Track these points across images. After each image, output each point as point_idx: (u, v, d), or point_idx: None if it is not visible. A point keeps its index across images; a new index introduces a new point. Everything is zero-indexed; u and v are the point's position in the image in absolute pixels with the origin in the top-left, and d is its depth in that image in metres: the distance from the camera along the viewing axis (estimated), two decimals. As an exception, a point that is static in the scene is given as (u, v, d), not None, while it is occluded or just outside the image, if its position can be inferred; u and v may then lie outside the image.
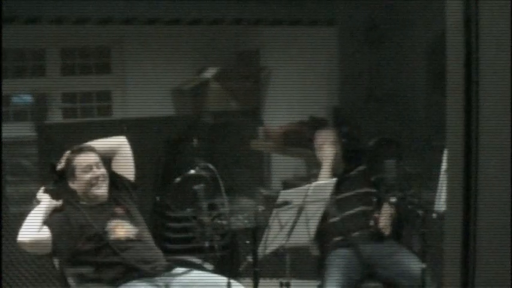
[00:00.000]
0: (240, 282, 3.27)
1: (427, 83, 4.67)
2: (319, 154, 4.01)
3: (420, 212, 3.35)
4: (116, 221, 3.33)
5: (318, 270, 3.88)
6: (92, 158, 3.39)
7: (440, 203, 3.29)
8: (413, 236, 3.79)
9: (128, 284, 3.19)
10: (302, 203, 3.26)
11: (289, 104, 5.42)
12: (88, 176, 3.35)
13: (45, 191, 3.35)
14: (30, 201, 3.37)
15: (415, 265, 3.52)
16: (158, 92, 5.68)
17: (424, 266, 3.33)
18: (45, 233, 3.24)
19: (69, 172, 3.37)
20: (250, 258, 3.14)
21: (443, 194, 3.24)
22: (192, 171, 3.32)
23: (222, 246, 3.21)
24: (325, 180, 3.62)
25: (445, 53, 1.66)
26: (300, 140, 5.34)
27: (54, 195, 3.34)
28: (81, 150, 3.40)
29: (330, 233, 3.83)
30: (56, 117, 5.71)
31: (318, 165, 4.02)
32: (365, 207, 3.90)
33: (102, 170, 3.40)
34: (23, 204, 4.88)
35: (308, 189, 3.28)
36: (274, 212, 3.16)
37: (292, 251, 3.68)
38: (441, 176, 3.28)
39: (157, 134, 5.28)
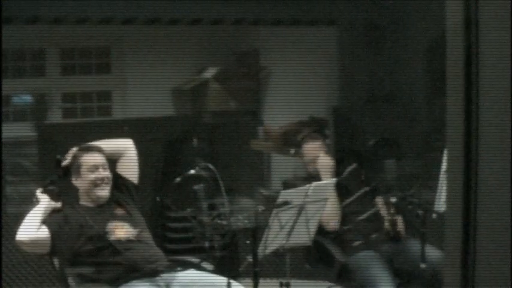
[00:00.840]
0: (240, 282, 3.27)
1: (427, 83, 4.68)
2: (313, 165, 3.99)
3: (420, 212, 3.36)
4: (116, 222, 3.33)
5: (339, 274, 3.82)
6: (99, 158, 3.38)
7: (440, 203, 3.29)
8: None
9: (129, 284, 3.19)
10: (302, 203, 3.26)
11: (289, 104, 5.42)
12: (93, 176, 3.34)
13: (45, 191, 3.35)
14: (30, 201, 3.36)
15: (433, 253, 3.52)
16: (158, 92, 5.68)
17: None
18: (44, 233, 3.24)
19: (74, 169, 3.36)
20: (250, 258, 3.14)
21: (443, 194, 3.24)
22: (192, 171, 3.32)
23: (222, 246, 3.21)
24: (325, 181, 3.63)
25: (445, 53, 1.66)
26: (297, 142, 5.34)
27: (53, 196, 3.34)
28: (89, 149, 3.40)
29: (350, 237, 3.82)
30: (56, 117, 5.71)
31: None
32: (375, 208, 3.91)
33: (107, 173, 3.39)
34: (23, 204, 4.88)
35: (308, 189, 3.28)
36: (274, 212, 3.16)
37: (292, 251, 3.69)
38: (441, 176, 3.28)
39: (158, 134, 5.28)
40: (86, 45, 5.82)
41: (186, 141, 5.25)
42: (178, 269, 3.33)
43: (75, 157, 3.38)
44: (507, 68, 1.51)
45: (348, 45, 4.99)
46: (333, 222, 3.80)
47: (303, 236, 3.36)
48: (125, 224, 3.35)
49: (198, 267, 3.42)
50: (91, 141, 3.51)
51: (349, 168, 3.98)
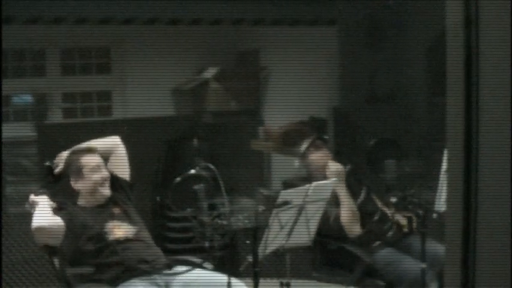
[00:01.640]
0: (240, 281, 3.27)
1: (427, 83, 4.68)
2: (322, 173, 3.97)
3: (420, 212, 3.36)
4: (114, 221, 3.33)
5: (362, 276, 3.83)
6: (98, 158, 3.39)
7: (440, 203, 3.29)
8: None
9: (128, 283, 3.19)
10: (302, 203, 3.26)
11: (289, 104, 5.42)
12: (97, 175, 3.34)
13: (40, 194, 3.33)
14: (25, 206, 3.36)
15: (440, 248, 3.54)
16: (158, 92, 5.68)
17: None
18: (59, 222, 3.23)
19: (74, 172, 3.35)
20: (250, 258, 3.14)
21: (443, 194, 3.24)
22: (192, 171, 3.32)
23: (222, 246, 3.21)
24: (325, 181, 3.62)
25: (445, 53, 1.66)
26: (300, 140, 5.33)
27: (50, 197, 3.33)
28: (87, 151, 3.40)
29: (369, 237, 3.83)
30: (56, 117, 5.71)
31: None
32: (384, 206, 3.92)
33: (107, 171, 3.40)
34: (23, 204, 4.88)
35: (308, 189, 3.28)
36: (274, 212, 3.16)
37: (292, 251, 3.69)
38: (441, 176, 3.28)
39: (158, 134, 5.28)
40: (86, 45, 5.81)
41: (186, 141, 5.25)
42: (178, 267, 3.33)
43: (72, 160, 3.38)
44: (507, 68, 1.51)
45: (348, 45, 4.99)
46: (356, 228, 3.81)
47: (303, 236, 3.36)
48: (123, 223, 3.35)
49: (197, 266, 3.42)
50: (86, 142, 3.51)
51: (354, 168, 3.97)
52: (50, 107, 5.68)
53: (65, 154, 3.43)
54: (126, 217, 3.38)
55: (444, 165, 3.21)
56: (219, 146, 5.32)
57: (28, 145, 5.17)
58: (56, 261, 3.34)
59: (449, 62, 1.65)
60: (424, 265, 3.41)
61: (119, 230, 3.31)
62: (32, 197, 3.32)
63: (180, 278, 3.26)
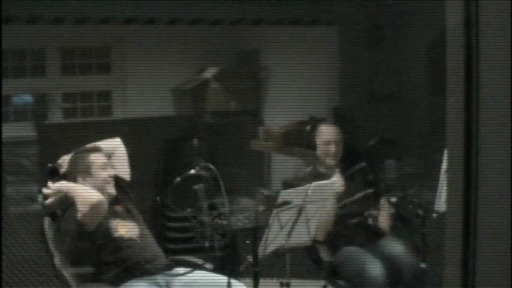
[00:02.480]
0: (240, 282, 3.27)
1: (427, 83, 4.68)
2: (322, 151, 3.98)
3: (420, 212, 3.36)
4: (118, 219, 3.34)
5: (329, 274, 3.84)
6: (105, 157, 3.43)
7: (440, 203, 3.29)
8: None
9: (129, 283, 3.19)
10: (302, 203, 3.26)
11: (289, 104, 5.42)
12: (105, 173, 3.37)
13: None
14: (32, 200, 3.37)
15: (409, 260, 3.55)
16: (158, 92, 5.68)
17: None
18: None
19: (81, 171, 3.36)
20: (250, 258, 3.14)
21: (443, 194, 3.24)
22: (192, 171, 3.32)
23: (222, 246, 3.21)
24: (325, 181, 3.62)
25: (445, 53, 1.66)
26: (300, 140, 5.34)
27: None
28: (94, 150, 3.43)
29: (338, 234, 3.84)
30: (56, 117, 5.71)
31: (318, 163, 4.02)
32: (365, 206, 3.91)
33: (113, 170, 3.44)
34: (23, 204, 4.88)
35: (308, 189, 3.28)
36: (274, 212, 3.16)
37: (292, 251, 3.68)
38: (441, 176, 3.28)
39: (157, 134, 5.28)
40: (86, 45, 5.82)
41: (186, 141, 5.25)
42: (179, 268, 3.34)
43: (79, 159, 3.39)
44: (507, 68, 1.51)
45: (348, 45, 4.99)
46: (324, 234, 3.79)
47: (303, 236, 3.36)
48: (127, 221, 3.37)
49: (198, 267, 3.42)
50: (91, 141, 3.53)
51: (357, 167, 3.95)
52: (50, 107, 5.68)
53: (68, 156, 3.45)
54: (129, 216, 3.41)
55: (444, 165, 3.21)
56: (219, 146, 5.32)
57: (28, 145, 5.17)
58: (56, 261, 3.34)
59: (449, 62, 1.65)
60: (423, 265, 3.41)
61: (123, 227, 3.33)
62: (49, 185, 3.31)
63: (180, 278, 3.27)
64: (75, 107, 5.88)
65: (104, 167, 3.38)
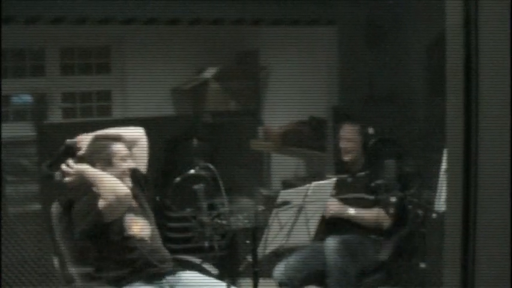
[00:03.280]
0: (240, 282, 3.27)
1: (427, 83, 4.67)
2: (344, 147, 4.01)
3: (420, 211, 3.36)
4: (131, 215, 3.23)
5: None
6: (126, 148, 3.29)
7: (440, 203, 3.29)
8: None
9: (133, 285, 3.14)
10: (302, 203, 3.26)
11: (289, 104, 5.41)
12: (125, 165, 3.24)
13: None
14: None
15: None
16: (158, 92, 5.68)
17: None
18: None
19: (101, 159, 3.22)
20: (250, 258, 3.14)
21: (443, 194, 3.24)
22: (192, 171, 3.32)
23: (222, 246, 3.21)
24: (325, 180, 3.62)
25: (445, 53, 1.66)
26: (300, 140, 5.34)
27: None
28: (116, 139, 3.27)
29: None
30: (56, 117, 5.71)
31: (320, 164, 4.04)
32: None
33: (132, 163, 3.31)
34: (23, 204, 4.88)
35: (308, 189, 3.28)
36: (274, 212, 3.16)
37: (292, 251, 3.69)
38: (441, 176, 3.27)
39: (157, 134, 5.28)
40: (85, 45, 5.82)
41: (186, 141, 5.25)
42: (183, 271, 3.29)
43: (100, 146, 3.25)
44: (507, 68, 1.51)
45: (348, 45, 4.99)
46: None
47: (303, 236, 3.36)
48: (140, 218, 3.27)
49: (201, 269, 3.40)
50: (110, 129, 3.39)
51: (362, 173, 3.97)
52: (50, 107, 5.68)
53: (88, 138, 3.30)
54: (142, 212, 3.30)
55: (444, 165, 3.21)
56: (219, 146, 5.32)
57: (28, 145, 5.16)
58: (56, 261, 3.32)
59: (449, 62, 1.65)
60: (423, 265, 3.41)
61: (136, 225, 3.22)
62: (71, 164, 3.19)
63: (184, 281, 3.23)
64: (75, 107, 5.88)
65: (125, 158, 3.24)
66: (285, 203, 3.17)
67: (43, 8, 4.35)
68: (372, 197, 3.73)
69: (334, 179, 3.58)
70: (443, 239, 1.69)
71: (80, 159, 3.25)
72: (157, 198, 4.98)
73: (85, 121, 5.84)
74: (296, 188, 3.34)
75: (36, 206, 4.97)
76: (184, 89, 5.87)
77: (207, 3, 4.70)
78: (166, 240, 4.81)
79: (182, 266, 3.36)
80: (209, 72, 5.71)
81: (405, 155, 3.99)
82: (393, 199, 3.52)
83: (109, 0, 4.56)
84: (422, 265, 3.40)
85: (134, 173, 3.34)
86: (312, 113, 5.36)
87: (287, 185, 4.53)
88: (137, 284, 3.15)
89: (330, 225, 3.90)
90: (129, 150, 3.30)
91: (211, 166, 3.23)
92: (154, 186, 5.15)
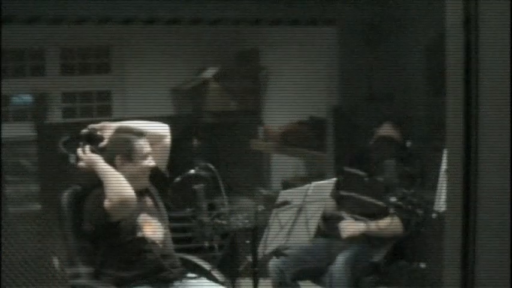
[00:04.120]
0: (240, 282, 3.27)
1: (427, 83, 4.67)
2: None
3: (420, 212, 3.36)
4: (145, 214, 3.15)
5: None
6: (148, 145, 3.16)
7: (440, 203, 3.29)
8: None
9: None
10: (302, 203, 3.26)
11: (289, 104, 5.42)
12: (145, 163, 3.12)
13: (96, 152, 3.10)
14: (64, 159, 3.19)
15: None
16: (158, 92, 5.68)
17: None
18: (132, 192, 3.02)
19: (122, 153, 3.11)
20: (250, 258, 3.14)
21: (443, 194, 3.23)
22: (192, 171, 3.31)
23: (222, 246, 3.20)
24: (325, 180, 3.62)
25: (445, 53, 1.66)
26: (300, 140, 5.34)
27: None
28: (139, 134, 3.14)
29: None
30: (56, 117, 5.71)
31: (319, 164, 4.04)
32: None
33: (153, 161, 3.18)
34: (23, 204, 4.88)
35: (308, 189, 3.28)
36: (274, 212, 3.16)
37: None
38: (441, 176, 3.27)
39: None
40: (86, 45, 5.82)
41: (186, 141, 5.24)
42: (191, 277, 3.24)
43: (123, 140, 3.13)
44: (507, 68, 1.51)
45: (348, 45, 4.99)
46: None
47: (303, 236, 3.36)
48: (154, 219, 3.18)
49: (209, 275, 3.35)
50: (136, 122, 3.28)
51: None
52: (50, 107, 5.68)
53: (112, 127, 3.18)
54: (157, 212, 3.22)
55: (444, 165, 3.20)
56: (219, 146, 5.32)
57: (28, 145, 5.17)
58: (56, 261, 3.31)
59: (448, 62, 1.64)
60: (423, 265, 3.41)
61: (149, 226, 3.14)
62: (86, 150, 3.10)
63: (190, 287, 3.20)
64: (75, 107, 5.88)
65: (146, 156, 3.12)
66: (285, 203, 3.17)
67: (43, 8, 4.35)
68: (386, 204, 3.64)
69: (335, 178, 3.58)
70: (443, 239, 1.69)
71: (99, 149, 3.14)
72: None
73: (85, 121, 5.83)
74: (296, 188, 3.34)
75: (36, 206, 4.97)
76: (184, 89, 5.87)
77: (207, 3, 4.70)
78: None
79: (193, 272, 3.33)
80: (209, 72, 5.71)
81: (405, 155, 3.98)
82: (409, 207, 3.49)
83: (109, 0, 4.56)
84: (422, 265, 3.40)
85: (153, 172, 3.23)
86: (312, 113, 5.36)
87: (287, 185, 4.52)
88: (144, 287, 3.08)
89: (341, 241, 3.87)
90: (152, 147, 3.18)
91: (211, 166, 3.23)
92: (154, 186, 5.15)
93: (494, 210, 1.56)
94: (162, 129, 3.29)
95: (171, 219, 4.48)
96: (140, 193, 3.15)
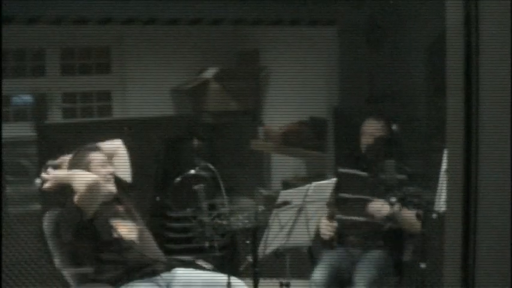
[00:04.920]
0: (240, 281, 3.28)
1: (427, 83, 4.67)
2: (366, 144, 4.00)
3: (420, 212, 3.35)
4: (118, 219, 3.36)
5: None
6: (103, 156, 3.47)
7: (440, 203, 3.28)
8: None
9: (129, 284, 3.19)
10: (302, 203, 3.26)
11: (289, 104, 5.41)
12: (104, 170, 3.40)
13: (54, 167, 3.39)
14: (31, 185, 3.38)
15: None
16: (158, 92, 5.68)
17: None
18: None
19: (81, 168, 3.39)
20: (250, 258, 3.14)
21: (443, 194, 3.23)
22: (192, 171, 3.32)
23: (222, 246, 3.21)
24: (325, 180, 3.62)
25: (445, 53, 1.66)
26: (300, 140, 5.34)
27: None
28: (94, 149, 3.47)
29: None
30: (56, 117, 5.71)
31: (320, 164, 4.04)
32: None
33: (112, 167, 3.47)
34: (23, 204, 4.88)
35: (308, 189, 3.28)
36: (274, 212, 3.16)
37: (292, 251, 3.68)
38: (441, 176, 3.27)
39: (157, 134, 5.28)
40: (86, 45, 5.81)
41: (186, 141, 5.24)
42: (178, 268, 3.34)
43: (80, 157, 3.44)
44: (507, 68, 1.51)
45: (348, 45, 4.99)
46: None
47: (303, 236, 3.36)
48: (127, 221, 3.39)
49: (197, 267, 3.43)
50: (91, 142, 3.56)
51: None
52: (50, 107, 5.68)
53: (67, 157, 3.49)
54: (130, 216, 3.43)
55: (444, 165, 3.20)
56: (219, 146, 5.32)
57: (28, 145, 5.17)
58: (56, 261, 3.34)
59: (449, 62, 1.65)
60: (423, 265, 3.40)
61: (123, 227, 3.34)
62: (48, 171, 3.37)
63: (180, 278, 3.28)
64: (75, 107, 5.88)
65: (102, 164, 3.41)
66: (285, 203, 3.17)
67: (43, 8, 4.35)
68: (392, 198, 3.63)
69: (335, 179, 3.57)
70: (444, 239, 1.69)
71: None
72: (158, 198, 4.98)
73: (85, 121, 5.84)
74: (296, 188, 3.34)
75: (36, 206, 4.97)
76: (184, 89, 5.87)
77: (207, 3, 4.70)
78: (166, 240, 4.83)
79: (182, 265, 3.38)
80: (209, 72, 5.71)
81: (405, 155, 3.98)
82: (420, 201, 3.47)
83: (109, 0, 4.57)
84: (423, 265, 3.40)
85: (119, 182, 3.51)
86: (312, 113, 5.36)
87: (287, 185, 4.52)
88: (132, 283, 3.20)
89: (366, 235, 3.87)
90: (108, 158, 3.49)
91: (211, 166, 3.24)
92: (155, 187, 5.15)
93: (494, 210, 1.56)
94: (114, 144, 3.62)
95: (172, 219, 4.50)
96: (110, 201, 3.42)
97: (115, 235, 3.28)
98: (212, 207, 3.24)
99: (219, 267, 3.44)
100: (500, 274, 1.54)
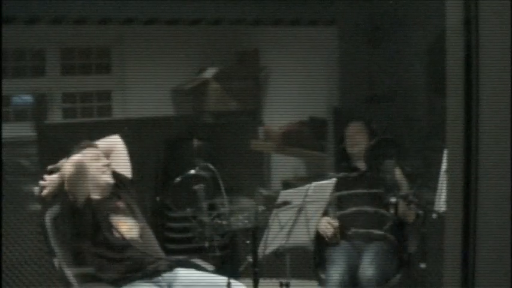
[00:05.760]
0: (240, 282, 3.27)
1: (427, 83, 4.68)
2: (351, 146, 4.01)
3: (420, 212, 3.36)
4: (119, 216, 3.33)
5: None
6: (97, 150, 3.45)
7: (440, 203, 3.29)
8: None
9: (131, 284, 3.17)
10: (302, 203, 3.26)
11: (289, 104, 5.41)
12: (97, 163, 3.36)
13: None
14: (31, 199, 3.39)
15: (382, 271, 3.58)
16: (158, 92, 5.67)
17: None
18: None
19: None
20: (250, 258, 3.14)
21: (443, 194, 3.24)
22: (192, 171, 3.32)
23: (222, 246, 3.21)
24: (325, 180, 3.62)
25: (445, 53, 1.66)
26: (300, 140, 5.34)
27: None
28: (87, 145, 3.45)
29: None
30: (56, 117, 5.71)
31: (320, 164, 4.05)
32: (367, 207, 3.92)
33: (106, 160, 3.44)
34: (23, 204, 4.88)
35: (308, 189, 3.28)
36: (274, 212, 3.16)
37: (292, 251, 3.68)
38: (441, 176, 3.27)
39: (157, 134, 5.28)
40: (86, 45, 5.81)
41: (186, 141, 5.25)
42: (180, 268, 3.33)
43: (73, 154, 3.39)
44: (507, 68, 1.51)
45: (348, 45, 4.99)
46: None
47: (303, 236, 3.36)
48: (128, 218, 3.35)
49: (198, 267, 3.42)
50: (88, 140, 3.54)
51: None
52: (50, 107, 5.68)
53: (64, 161, 3.47)
54: (130, 213, 3.39)
55: (444, 165, 3.21)
56: (219, 146, 5.32)
57: (28, 145, 5.16)
58: (56, 261, 3.34)
59: (449, 62, 1.65)
60: (423, 265, 3.40)
61: (124, 225, 3.31)
62: (45, 177, 3.36)
63: (181, 278, 3.27)
64: (75, 107, 5.88)
65: (96, 157, 3.38)
66: (285, 203, 3.18)
67: (43, 8, 4.35)
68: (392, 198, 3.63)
69: (335, 179, 3.58)
70: (444, 239, 1.69)
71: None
72: (158, 198, 4.98)
73: (85, 121, 5.84)
74: (296, 188, 3.34)
75: (36, 206, 4.96)
76: (184, 89, 5.86)
77: (207, 3, 4.70)
78: (166, 240, 4.83)
79: (181, 265, 3.37)
80: (209, 72, 5.71)
81: (406, 155, 3.98)
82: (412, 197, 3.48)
83: (109, 0, 4.57)
84: (423, 265, 3.40)
85: (119, 178, 3.47)
86: (312, 113, 5.36)
87: (287, 185, 4.52)
88: (134, 283, 3.18)
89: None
90: (105, 154, 3.47)
91: (211, 166, 3.24)
92: (155, 186, 5.15)
93: (494, 210, 1.56)
94: (112, 140, 3.59)
95: (172, 219, 4.51)
96: (110, 198, 3.38)
97: (116, 234, 3.25)
98: (212, 207, 3.24)
99: (219, 267, 3.44)
100: (500, 274, 1.54)
